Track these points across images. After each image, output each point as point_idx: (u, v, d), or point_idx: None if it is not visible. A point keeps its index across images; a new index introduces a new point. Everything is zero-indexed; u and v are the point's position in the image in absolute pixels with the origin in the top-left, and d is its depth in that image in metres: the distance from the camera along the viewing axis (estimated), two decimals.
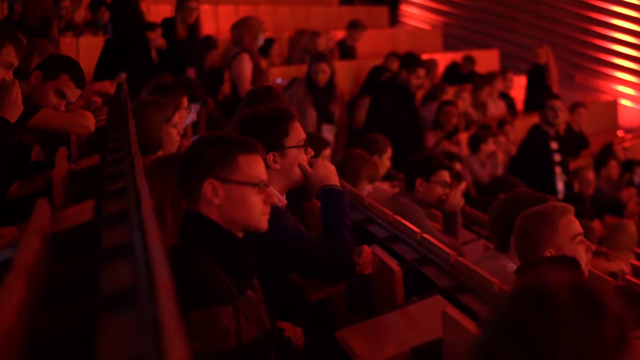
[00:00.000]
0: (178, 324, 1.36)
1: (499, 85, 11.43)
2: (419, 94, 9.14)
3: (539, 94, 8.91)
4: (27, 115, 3.97)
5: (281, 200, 3.20)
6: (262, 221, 2.50)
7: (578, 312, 1.46)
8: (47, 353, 1.73)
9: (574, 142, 10.52)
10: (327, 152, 5.53)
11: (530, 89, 11.67)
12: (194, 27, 7.47)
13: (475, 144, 8.71)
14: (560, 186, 8.08)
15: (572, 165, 9.33)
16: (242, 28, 7.63)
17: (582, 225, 3.27)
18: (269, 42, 9.50)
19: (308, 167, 3.26)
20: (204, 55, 8.05)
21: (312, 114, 7.28)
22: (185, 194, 2.50)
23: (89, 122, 4.21)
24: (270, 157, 3.17)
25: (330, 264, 3.12)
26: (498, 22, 16.37)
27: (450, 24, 16.50)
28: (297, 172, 3.24)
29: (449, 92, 9.95)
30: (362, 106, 8.76)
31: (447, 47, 15.12)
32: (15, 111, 3.68)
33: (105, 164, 3.28)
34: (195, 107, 5.26)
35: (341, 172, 5.00)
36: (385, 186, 5.68)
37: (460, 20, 16.66)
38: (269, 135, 3.19)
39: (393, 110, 7.58)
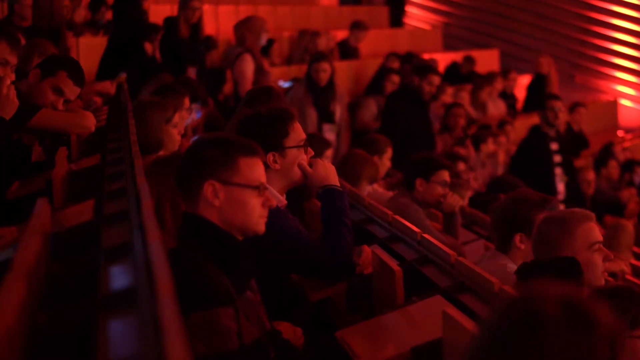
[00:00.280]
0: (178, 324, 1.36)
1: (498, 85, 11.44)
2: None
3: (538, 103, 8.92)
4: (28, 115, 3.97)
5: (281, 200, 3.20)
6: (260, 224, 2.50)
7: (568, 329, 1.42)
8: (47, 353, 1.73)
9: (574, 142, 10.52)
10: (329, 152, 5.53)
11: (529, 97, 11.73)
12: (196, 27, 7.47)
13: (475, 144, 8.71)
14: (560, 187, 8.07)
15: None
16: (245, 28, 7.63)
17: None
18: (269, 42, 9.50)
19: (308, 167, 3.26)
20: (205, 55, 8.06)
21: (312, 114, 7.27)
22: (184, 195, 2.50)
23: (89, 122, 4.21)
24: (270, 157, 3.17)
25: (330, 264, 3.12)
26: (498, 22, 16.36)
27: (450, 24, 16.50)
28: (297, 172, 3.24)
29: (448, 92, 9.95)
30: (366, 107, 8.76)
31: (447, 47, 15.11)
32: (8, 108, 3.67)
33: (105, 164, 3.28)
34: (196, 107, 5.26)
35: (342, 172, 5.01)
36: (382, 189, 5.67)
37: (460, 20, 16.66)
38: (268, 135, 3.19)
39: (407, 117, 7.60)
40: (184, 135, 4.65)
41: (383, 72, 9.46)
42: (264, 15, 9.76)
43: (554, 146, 8.12)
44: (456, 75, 11.88)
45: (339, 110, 7.41)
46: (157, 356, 1.31)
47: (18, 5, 6.47)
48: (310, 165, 3.27)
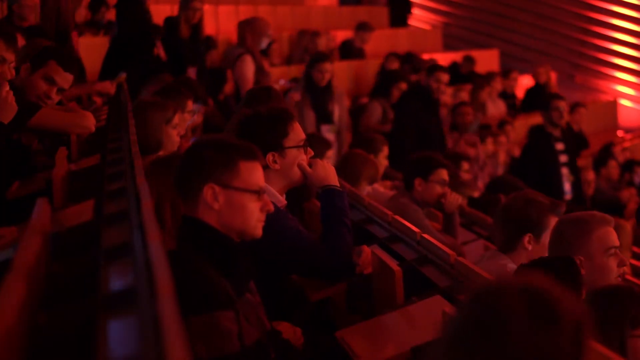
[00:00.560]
0: (178, 324, 1.36)
1: (498, 85, 11.45)
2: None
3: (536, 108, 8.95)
4: (27, 115, 3.97)
5: (281, 200, 3.20)
6: (257, 228, 2.50)
7: (531, 321, 1.40)
8: (47, 353, 1.73)
9: (573, 142, 10.53)
10: (330, 153, 5.53)
11: (527, 103, 11.78)
12: (197, 27, 7.47)
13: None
14: (567, 187, 8.06)
15: None
16: (247, 28, 7.63)
17: None
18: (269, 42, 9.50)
19: (307, 168, 3.26)
20: (205, 55, 8.06)
21: (310, 115, 7.27)
22: (183, 197, 2.49)
23: (89, 122, 4.21)
24: (269, 157, 3.17)
25: (330, 264, 3.12)
26: (498, 22, 16.37)
27: (450, 24, 16.51)
28: (296, 172, 3.24)
29: (448, 92, 9.96)
30: (371, 110, 8.75)
31: (447, 47, 15.12)
32: (7, 112, 3.67)
33: (105, 164, 3.28)
34: (197, 108, 5.26)
35: (341, 172, 5.01)
36: (382, 188, 5.67)
37: (460, 20, 16.66)
38: (268, 135, 3.19)
39: (418, 117, 7.60)
40: (183, 136, 4.65)
41: (389, 77, 9.45)
42: (264, 15, 9.75)
43: (560, 146, 8.12)
44: (456, 75, 11.88)
45: (337, 111, 7.40)
46: (157, 356, 1.31)
47: (17, 6, 6.46)
48: (310, 165, 3.27)
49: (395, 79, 9.18)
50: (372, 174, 5.40)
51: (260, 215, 2.49)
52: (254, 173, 2.47)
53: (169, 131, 4.13)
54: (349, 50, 11.04)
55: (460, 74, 11.98)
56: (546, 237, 3.52)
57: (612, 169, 9.84)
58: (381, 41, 12.53)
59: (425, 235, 3.64)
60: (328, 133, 7.24)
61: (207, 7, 9.40)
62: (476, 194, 6.93)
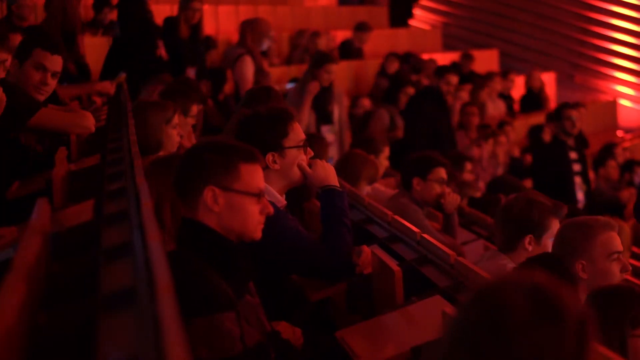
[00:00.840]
0: (178, 324, 1.36)
1: (497, 85, 11.45)
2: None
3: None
4: (27, 115, 3.97)
5: (280, 200, 3.20)
6: (257, 231, 2.49)
7: (533, 319, 1.40)
8: (47, 353, 1.73)
9: (584, 150, 10.57)
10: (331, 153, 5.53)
11: (523, 110, 11.85)
12: (196, 27, 7.47)
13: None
14: (580, 196, 8.06)
15: None
16: (249, 28, 7.63)
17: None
18: None
19: (307, 168, 3.26)
20: (205, 55, 8.05)
21: (310, 115, 7.26)
22: (183, 198, 2.49)
23: (89, 122, 4.21)
24: (269, 157, 3.17)
25: (330, 264, 3.12)
26: (498, 22, 16.38)
27: (450, 24, 16.51)
28: (296, 172, 3.24)
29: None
30: (378, 118, 8.74)
31: (447, 47, 15.12)
32: None
33: (105, 164, 3.28)
34: (198, 109, 5.26)
35: (341, 172, 5.00)
36: (383, 187, 5.68)
37: (460, 20, 16.67)
38: (268, 135, 3.18)
39: (430, 119, 7.62)
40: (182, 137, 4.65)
41: (396, 83, 9.46)
42: (264, 16, 9.76)
43: (573, 155, 8.12)
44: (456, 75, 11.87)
45: (337, 111, 7.41)
46: (157, 356, 1.31)
47: (16, 6, 6.47)
48: (310, 165, 3.27)
49: (402, 84, 9.19)
50: (372, 174, 5.40)
51: (260, 218, 2.48)
52: (254, 176, 2.46)
53: (169, 131, 4.13)
54: (348, 51, 11.04)
55: (460, 73, 11.98)
56: (547, 239, 3.53)
57: (611, 169, 9.83)
58: (381, 41, 12.54)
59: (425, 236, 3.64)
60: (328, 134, 7.25)
61: (207, 7, 9.41)
62: (477, 194, 6.93)
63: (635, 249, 6.70)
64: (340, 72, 9.21)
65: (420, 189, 4.91)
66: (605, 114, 14.37)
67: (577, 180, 8.11)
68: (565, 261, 3.18)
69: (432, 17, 16.81)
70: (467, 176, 6.65)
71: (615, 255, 3.19)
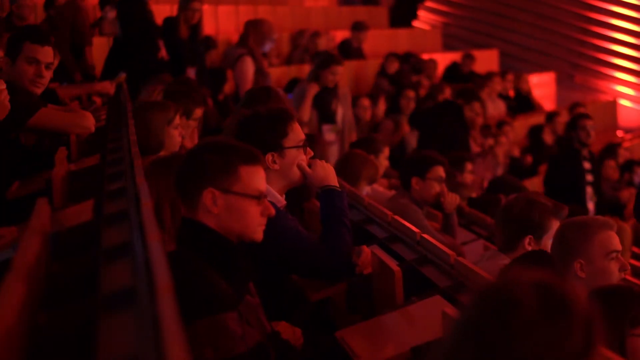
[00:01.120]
0: (178, 324, 1.37)
1: (497, 85, 11.46)
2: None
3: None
4: (27, 115, 3.97)
5: (280, 200, 3.20)
6: (257, 232, 2.48)
7: (542, 315, 1.40)
8: (47, 353, 1.73)
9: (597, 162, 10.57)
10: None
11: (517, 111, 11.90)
12: (196, 28, 7.47)
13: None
14: (590, 206, 8.07)
15: None
16: (252, 28, 7.62)
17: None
18: None
19: (307, 168, 3.26)
20: (205, 55, 8.05)
21: (312, 115, 7.26)
22: (183, 200, 2.48)
23: (89, 122, 4.21)
24: (269, 157, 3.17)
25: (330, 264, 3.12)
26: (498, 22, 16.38)
27: (450, 24, 16.51)
28: (296, 172, 3.24)
29: (448, 92, 9.95)
30: (384, 128, 8.75)
31: (447, 47, 15.12)
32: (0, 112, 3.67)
33: (105, 164, 3.29)
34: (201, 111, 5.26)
35: (341, 172, 5.00)
36: (381, 188, 5.67)
37: (460, 20, 16.67)
38: (267, 135, 3.19)
39: (450, 134, 7.62)
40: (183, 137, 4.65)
41: (398, 91, 9.48)
42: (264, 15, 9.76)
43: (587, 165, 8.12)
44: (456, 75, 11.89)
45: (340, 111, 7.40)
46: (156, 356, 1.32)
47: (15, 6, 6.48)
48: (309, 165, 3.27)
49: (402, 88, 9.19)
50: (372, 174, 5.39)
51: (261, 220, 2.48)
52: (254, 177, 2.45)
53: (171, 132, 4.14)
54: (347, 51, 11.04)
55: (460, 73, 11.99)
56: (547, 239, 3.53)
57: (612, 169, 9.83)
58: (381, 41, 12.54)
59: (425, 236, 3.64)
60: (329, 133, 7.24)
61: (207, 7, 9.41)
62: (474, 194, 6.92)
63: (635, 249, 6.70)
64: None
65: (419, 188, 4.91)
66: (605, 114, 14.37)
67: (589, 190, 8.12)
68: (564, 261, 3.18)
69: (432, 17, 16.82)
70: (468, 176, 6.65)
71: (614, 255, 3.19)
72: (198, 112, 4.80)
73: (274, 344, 2.59)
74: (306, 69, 10.03)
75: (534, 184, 9.17)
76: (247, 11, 11.07)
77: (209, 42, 8.72)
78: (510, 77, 12.05)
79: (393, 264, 3.18)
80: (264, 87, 5.08)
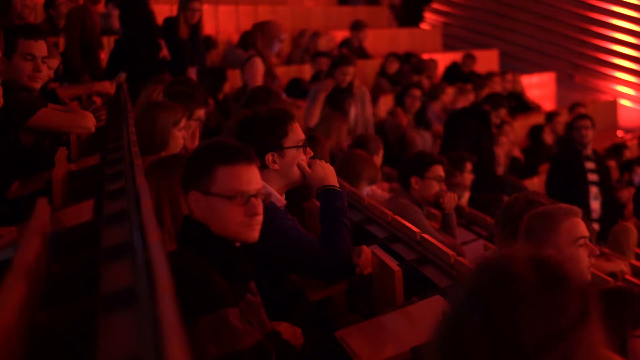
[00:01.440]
0: (178, 324, 1.37)
1: (497, 85, 11.45)
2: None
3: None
4: (27, 114, 3.97)
5: (280, 200, 3.20)
6: (243, 233, 2.45)
7: (540, 286, 1.46)
8: (47, 353, 1.73)
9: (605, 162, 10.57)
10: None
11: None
12: (196, 28, 7.47)
13: None
14: (594, 205, 8.05)
15: None
16: (259, 30, 7.62)
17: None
18: None
19: (307, 168, 3.26)
20: (205, 55, 8.05)
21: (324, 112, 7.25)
22: (185, 198, 2.51)
23: (89, 122, 4.21)
24: (269, 157, 3.18)
25: (330, 263, 3.12)
26: (498, 22, 16.37)
27: (450, 24, 16.51)
28: (296, 172, 3.24)
29: (448, 92, 9.96)
30: (410, 140, 8.74)
31: (447, 47, 15.12)
32: None
33: (105, 164, 3.29)
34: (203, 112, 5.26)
35: (341, 172, 5.00)
36: (380, 191, 5.67)
37: (460, 20, 16.66)
38: (267, 135, 3.19)
39: (476, 138, 7.64)
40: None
41: (404, 89, 9.48)
42: (264, 15, 9.76)
43: (590, 165, 8.11)
44: (456, 75, 11.89)
45: (353, 111, 7.41)
46: (157, 356, 1.31)
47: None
48: (309, 165, 3.27)
49: (407, 87, 9.19)
50: (372, 174, 5.39)
51: (246, 220, 2.44)
52: (232, 178, 2.42)
53: (175, 133, 4.14)
54: (351, 52, 11.04)
55: (461, 73, 11.99)
56: None
57: (612, 169, 9.83)
58: (381, 41, 12.54)
59: (425, 235, 3.64)
60: None
61: (207, 7, 9.41)
62: (467, 194, 6.91)
63: (636, 249, 6.69)
64: None
65: (418, 187, 4.91)
66: (605, 114, 14.37)
67: (593, 189, 8.09)
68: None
69: (432, 17, 16.82)
70: (468, 176, 6.64)
71: (582, 241, 3.17)
72: (199, 112, 4.81)
73: (274, 344, 2.59)
74: (306, 69, 10.04)
75: (534, 184, 9.17)
76: (247, 11, 11.07)
77: (209, 42, 8.72)
78: (509, 77, 12.05)
79: (393, 264, 3.18)
80: (264, 87, 5.08)
